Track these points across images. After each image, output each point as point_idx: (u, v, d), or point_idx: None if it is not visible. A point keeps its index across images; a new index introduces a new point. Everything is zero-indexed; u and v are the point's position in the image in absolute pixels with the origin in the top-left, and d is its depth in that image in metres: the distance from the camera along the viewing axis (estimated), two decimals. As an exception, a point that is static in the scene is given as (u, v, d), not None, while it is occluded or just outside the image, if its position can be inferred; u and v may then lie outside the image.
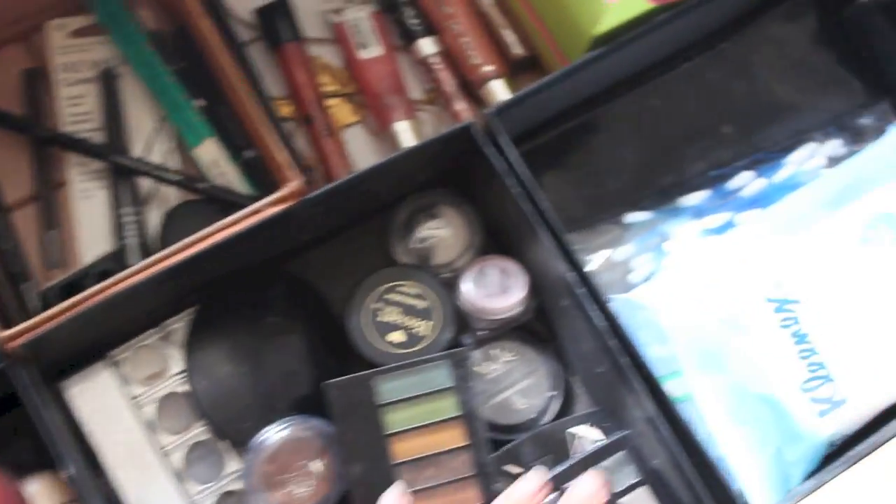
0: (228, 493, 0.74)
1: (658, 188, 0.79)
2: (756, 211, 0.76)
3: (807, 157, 0.78)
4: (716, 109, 0.81)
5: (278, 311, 0.77)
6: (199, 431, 0.75)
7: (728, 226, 0.76)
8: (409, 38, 0.82)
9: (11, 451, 0.73)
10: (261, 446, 0.71)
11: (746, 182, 0.78)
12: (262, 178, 0.78)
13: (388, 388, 0.71)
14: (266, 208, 0.72)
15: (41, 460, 0.71)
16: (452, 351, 0.72)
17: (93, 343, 0.75)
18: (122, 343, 0.75)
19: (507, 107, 0.72)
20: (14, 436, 0.74)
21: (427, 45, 0.82)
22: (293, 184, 0.72)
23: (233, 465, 0.75)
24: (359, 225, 0.80)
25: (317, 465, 0.71)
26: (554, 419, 0.75)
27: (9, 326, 0.70)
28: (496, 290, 0.75)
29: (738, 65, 0.82)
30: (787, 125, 0.80)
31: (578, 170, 0.80)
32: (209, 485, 0.74)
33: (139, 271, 0.71)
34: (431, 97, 0.83)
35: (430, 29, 0.82)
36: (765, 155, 0.79)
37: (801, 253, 0.72)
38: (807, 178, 0.77)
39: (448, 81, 0.82)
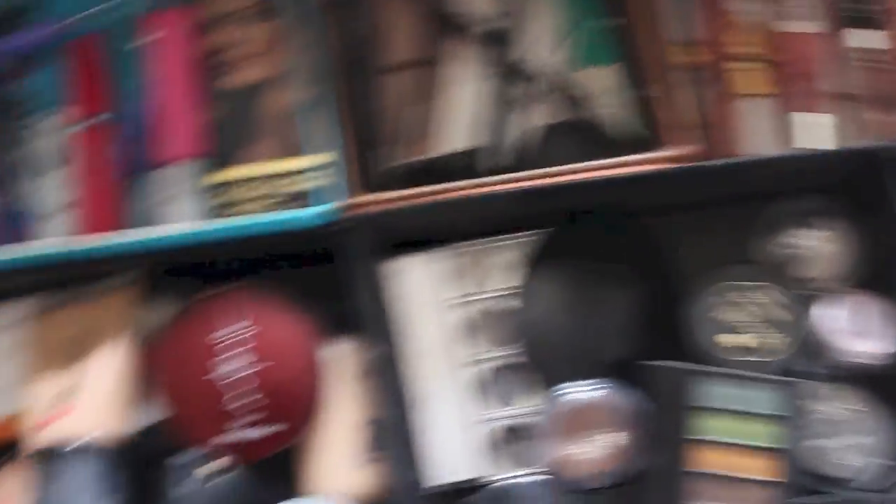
0: (510, 429, 0.71)
1: None
2: None
3: None
4: None
5: (623, 263, 0.72)
6: (507, 355, 0.72)
7: None
8: (851, 23, 0.73)
9: (316, 309, 0.73)
10: (571, 397, 0.68)
11: None
12: (650, 121, 0.72)
13: (710, 392, 0.66)
14: (647, 162, 0.68)
15: (340, 327, 0.71)
16: (795, 380, 0.66)
17: (424, 233, 0.73)
18: (453, 241, 0.73)
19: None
20: (318, 295, 0.72)
21: (867, 38, 0.73)
22: (683, 148, 0.67)
23: (528, 401, 0.71)
24: (728, 206, 0.73)
25: (619, 438, 0.68)
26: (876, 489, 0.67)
27: (353, 192, 0.69)
28: (859, 330, 0.68)
29: None
30: None
31: None
32: (499, 411, 0.71)
33: (498, 183, 0.69)
34: (853, 94, 0.74)
35: (879, 21, 0.73)
36: None
37: None
38: None
39: (876, 84, 0.73)
